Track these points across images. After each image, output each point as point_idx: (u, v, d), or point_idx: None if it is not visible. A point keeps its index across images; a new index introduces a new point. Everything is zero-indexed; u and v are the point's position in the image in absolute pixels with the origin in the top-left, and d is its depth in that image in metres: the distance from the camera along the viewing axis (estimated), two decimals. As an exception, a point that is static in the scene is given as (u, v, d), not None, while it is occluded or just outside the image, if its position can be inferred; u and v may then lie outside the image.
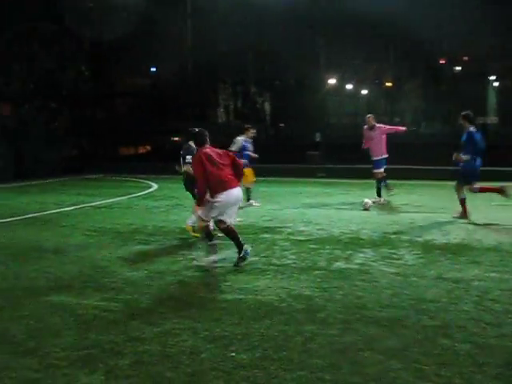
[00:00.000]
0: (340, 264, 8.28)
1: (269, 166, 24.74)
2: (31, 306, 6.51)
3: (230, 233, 8.38)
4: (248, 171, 13.95)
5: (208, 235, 8.55)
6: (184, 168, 10.88)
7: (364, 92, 36.21)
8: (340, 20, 25.50)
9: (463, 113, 12.03)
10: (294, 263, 8.35)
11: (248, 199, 14.90)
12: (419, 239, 10.04)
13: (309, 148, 26.56)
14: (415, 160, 22.27)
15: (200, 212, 8.43)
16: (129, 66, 34.57)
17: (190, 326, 5.78)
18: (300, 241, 10.05)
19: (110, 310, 6.32)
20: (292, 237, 10.45)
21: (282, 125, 34.60)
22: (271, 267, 8.11)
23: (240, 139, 14.97)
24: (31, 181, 23.95)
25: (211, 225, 8.59)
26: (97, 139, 30.87)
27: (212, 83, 34.20)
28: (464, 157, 11.63)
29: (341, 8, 25.15)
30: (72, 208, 15.54)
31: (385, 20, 24.53)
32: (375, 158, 15.31)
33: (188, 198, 16.84)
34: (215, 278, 7.62)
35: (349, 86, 35.99)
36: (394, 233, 10.70)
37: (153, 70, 36.23)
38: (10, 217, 13.90)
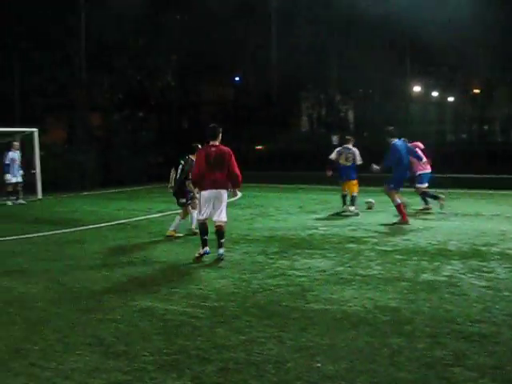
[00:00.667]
0: (427, 276, 8.08)
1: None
2: (121, 310, 6.68)
3: (201, 227, 9.76)
4: (354, 182, 15.56)
5: (202, 230, 9.72)
6: (187, 184, 11.85)
7: (450, 99, 35.36)
8: (427, 26, 24.99)
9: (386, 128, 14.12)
10: (380, 274, 8.22)
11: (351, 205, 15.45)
12: (511, 252, 9.66)
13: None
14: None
15: (196, 213, 10.23)
16: (213, 75, 35.18)
17: (275, 334, 5.78)
18: (386, 251, 9.89)
19: (196, 316, 6.40)
20: (378, 247, 10.30)
21: (365, 133, 34.22)
22: (357, 277, 8.01)
23: (355, 150, 15.57)
24: (119, 188, 24.69)
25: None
26: (182, 147, 31.50)
27: (296, 92, 34.31)
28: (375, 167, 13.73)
29: (428, 15, 24.69)
30: (159, 215, 15.91)
31: (475, 26, 23.91)
32: (419, 173, 15.11)
33: (273, 207, 17.03)
34: (301, 287, 7.59)
35: (434, 94, 35.25)
36: (484, 244, 10.34)
37: (236, 79, 36.73)
38: (102, 223, 14.38)
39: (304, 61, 31.38)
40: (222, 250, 9.47)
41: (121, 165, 26.81)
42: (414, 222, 13.32)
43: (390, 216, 14.45)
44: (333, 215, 15.03)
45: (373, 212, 15.49)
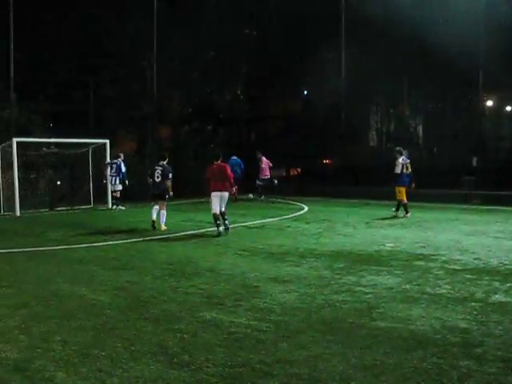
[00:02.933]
0: (499, 297, 7.82)
1: (422, 191, 24.05)
2: (186, 321, 6.75)
3: (215, 217, 14.57)
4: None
5: (216, 219, 14.56)
6: (167, 183, 16.05)
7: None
8: (501, 35, 24.34)
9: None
10: (449, 293, 8.01)
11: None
12: None
13: (464, 173, 25.53)
14: None
15: (212, 207, 14.66)
16: (282, 89, 35.27)
17: (339, 351, 5.70)
18: (455, 270, 9.64)
19: (260, 329, 6.40)
20: (447, 265, 10.05)
21: (435, 149, 33.56)
22: (424, 296, 7.84)
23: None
24: (187, 199, 25.02)
25: None
26: (249, 161, 31.65)
27: (365, 106, 34.03)
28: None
29: (502, 23, 24.06)
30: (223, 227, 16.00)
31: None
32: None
33: (340, 221, 16.91)
34: (367, 304, 7.48)
35: (508, 108, 34.24)
36: (560, 266, 9.94)
37: (305, 93, 36.71)
38: (169, 234, 14.63)
39: (373, 74, 31.15)
40: (227, 222, 14.86)
41: (189, 177, 27.15)
42: (485, 241, 12.96)
43: (461, 235, 14.14)
44: (400, 230, 14.78)
45: (440, 230, 15.15)
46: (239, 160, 26.33)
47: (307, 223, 16.97)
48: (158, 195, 16.08)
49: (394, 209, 19.01)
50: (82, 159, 22.98)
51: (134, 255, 11.44)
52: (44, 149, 22.17)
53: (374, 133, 35.07)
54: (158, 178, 16.14)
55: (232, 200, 25.04)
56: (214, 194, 14.60)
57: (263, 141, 35.38)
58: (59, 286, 8.69)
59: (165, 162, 16.50)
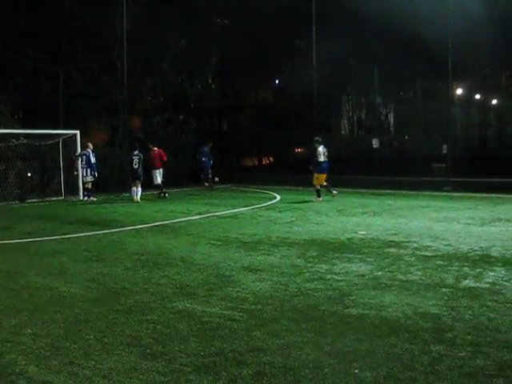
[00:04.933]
0: (469, 282, 7.92)
1: (393, 178, 24.29)
2: (159, 312, 6.71)
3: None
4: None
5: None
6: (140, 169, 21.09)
7: (494, 102, 34.66)
8: (470, 24, 24.56)
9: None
10: (420, 279, 8.09)
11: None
12: (557, 259, 9.41)
13: (434, 161, 25.80)
14: None
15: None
16: (253, 78, 35.22)
17: (312, 339, 5.72)
18: (426, 256, 9.73)
19: (234, 319, 6.39)
20: (418, 252, 10.14)
21: (406, 137, 33.85)
22: (396, 283, 7.90)
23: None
24: (158, 190, 24.89)
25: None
26: (222, 150, 31.59)
27: (336, 94, 34.12)
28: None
29: (471, 14, 24.27)
30: (198, 217, 16.00)
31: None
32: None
33: (312, 210, 16.97)
34: (339, 291, 7.52)
35: (477, 96, 34.60)
36: (529, 251, 10.10)
37: (276, 82, 36.69)
38: (141, 224, 14.55)
39: (344, 63, 31.24)
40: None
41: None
42: (455, 227, 13.12)
43: (432, 221, 14.29)
44: (372, 218, 14.89)
45: (412, 217, 15.29)
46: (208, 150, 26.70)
47: (280, 212, 17.00)
48: (138, 178, 21.03)
49: (321, 197, 19.85)
50: (52, 150, 22.75)
51: (106, 246, 11.36)
52: (13, 140, 21.84)
53: (346, 121, 35.23)
54: (135, 164, 21.10)
55: (211, 189, 25.18)
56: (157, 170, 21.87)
57: (235, 130, 35.38)
58: (30, 278, 8.58)
59: (137, 151, 21.41)
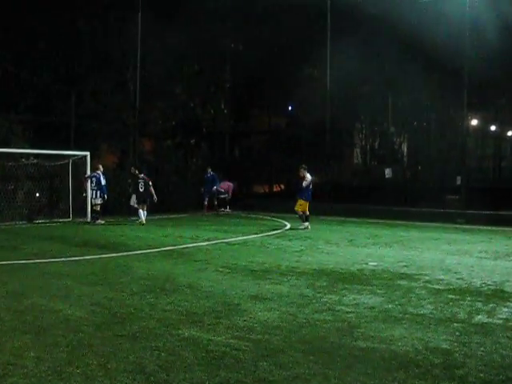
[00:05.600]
0: (482, 317, 7.84)
1: (405, 209, 24.22)
2: (164, 339, 6.68)
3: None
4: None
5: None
6: (151, 190, 21.69)
7: (510, 133, 34.64)
8: (486, 53, 24.63)
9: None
10: (431, 313, 8.02)
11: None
12: None
13: (448, 191, 25.71)
14: None
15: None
16: (266, 104, 35.40)
17: (320, 371, 5.67)
18: (438, 290, 9.66)
19: (240, 348, 6.35)
20: (429, 285, 10.07)
21: (419, 167, 33.77)
22: (407, 316, 7.84)
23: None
24: (167, 214, 24.97)
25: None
26: (233, 176, 31.64)
27: (349, 123, 34.18)
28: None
29: (488, 42, 24.33)
30: (206, 243, 15.99)
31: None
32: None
33: (322, 239, 16.94)
34: (348, 323, 7.46)
35: (492, 127, 34.58)
36: (543, 287, 10.00)
37: (290, 108, 36.84)
38: (148, 249, 14.56)
39: (358, 91, 31.34)
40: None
41: (171, 191, 27.12)
42: (468, 261, 13.02)
43: (445, 254, 14.21)
44: (383, 249, 14.82)
45: (424, 249, 15.21)
46: (215, 175, 27.62)
47: (289, 240, 16.97)
48: (142, 201, 21.72)
49: (305, 223, 20.23)
50: (61, 171, 22.87)
51: (112, 270, 11.35)
52: (23, 160, 22.00)
53: (359, 150, 35.24)
54: (141, 188, 21.69)
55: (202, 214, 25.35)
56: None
57: (247, 156, 35.46)
58: (34, 300, 8.58)
59: (143, 175, 21.90)
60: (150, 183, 21.66)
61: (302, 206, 20.23)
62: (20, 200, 22.08)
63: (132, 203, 23.06)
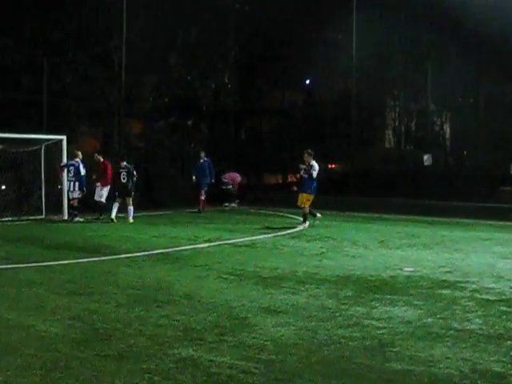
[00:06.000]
0: (541, 334, 7.84)
1: (448, 203, 24.14)
2: (157, 359, 6.70)
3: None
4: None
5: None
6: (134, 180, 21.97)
7: None
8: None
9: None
10: (480, 329, 8.01)
11: None
12: None
13: (500, 183, 25.63)
14: None
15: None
16: (279, 77, 35.26)
17: (345, 399, 5.69)
18: (488, 301, 9.65)
19: (248, 371, 6.36)
20: (477, 295, 10.06)
21: (465, 152, 33.60)
22: (450, 332, 7.83)
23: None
24: (161, 210, 25.03)
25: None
26: (238, 164, 31.61)
27: (380, 99, 34.05)
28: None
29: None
30: (207, 245, 16.03)
31: None
32: None
33: (347, 240, 16.96)
34: (379, 340, 7.47)
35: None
36: None
37: (307, 82, 36.70)
38: (138, 252, 14.60)
39: (391, 60, 31.26)
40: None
41: (164, 183, 27.17)
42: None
43: (496, 257, 14.18)
44: (421, 252, 14.80)
45: (470, 251, 15.18)
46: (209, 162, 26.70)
47: (307, 241, 16.99)
48: (125, 193, 21.76)
49: (305, 224, 20.37)
50: (32, 159, 22.89)
51: (94, 277, 11.39)
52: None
53: (391, 132, 35.12)
54: (124, 179, 21.82)
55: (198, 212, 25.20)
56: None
57: (256, 140, 35.40)
58: (1, 314, 8.63)
59: (125, 163, 22.11)
60: (135, 172, 21.97)
61: (309, 201, 20.25)
62: (-19, 194, 22.17)
63: (97, 198, 22.84)
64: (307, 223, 20.20)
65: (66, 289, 10.34)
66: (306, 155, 20.31)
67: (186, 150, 30.13)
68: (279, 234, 18.75)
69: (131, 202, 21.77)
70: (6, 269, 12.34)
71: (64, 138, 23.00)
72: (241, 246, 16.13)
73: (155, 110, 30.36)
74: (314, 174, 20.05)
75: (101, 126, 29.30)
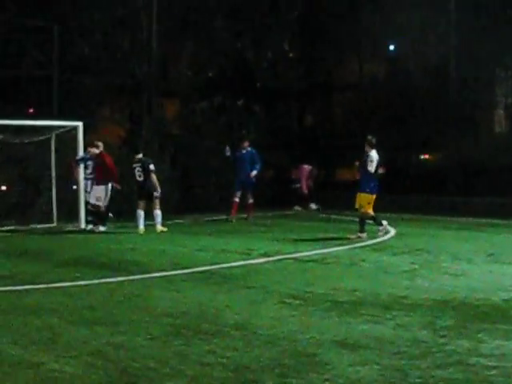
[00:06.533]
0: None
1: None
2: (202, 409, 6.73)
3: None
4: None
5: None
6: (153, 178, 21.47)
7: None
8: None
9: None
10: None
11: None
12: None
13: None
14: None
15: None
16: (354, 43, 35.02)
17: None
18: None
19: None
20: None
21: None
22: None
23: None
24: (204, 215, 25.08)
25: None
26: (303, 155, 31.55)
27: (487, 70, 33.62)
28: None
29: None
30: (264, 260, 16.05)
31: None
32: None
33: (445, 252, 16.81)
34: (489, 384, 7.38)
35: None
36: None
37: (391, 48, 36.40)
38: (175, 270, 14.67)
39: (499, 23, 30.86)
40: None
41: (207, 180, 27.25)
42: None
43: None
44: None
45: None
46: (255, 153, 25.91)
47: (394, 255, 16.92)
48: (144, 195, 21.69)
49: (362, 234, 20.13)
50: (40, 152, 23.06)
51: (120, 303, 11.48)
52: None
53: (502, 112, 34.66)
54: (139, 176, 21.74)
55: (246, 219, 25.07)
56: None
57: (326, 124, 35.21)
58: (3, 348, 8.73)
59: (140, 155, 22.15)
60: (152, 167, 21.69)
61: (369, 203, 20.02)
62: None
63: (93, 200, 22.47)
64: (365, 234, 19.97)
65: (85, 317, 10.42)
66: (366, 144, 20.33)
67: (234, 138, 30.13)
68: (357, 245, 18.67)
69: (157, 206, 21.55)
70: (9, 291, 12.51)
71: (80, 124, 23.06)
72: (308, 261, 16.10)
73: (195, 87, 30.44)
74: (371, 166, 19.88)
75: (126, 108, 29.50)
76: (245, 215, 25.42)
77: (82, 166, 22.51)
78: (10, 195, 23.14)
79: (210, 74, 31.02)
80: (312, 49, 33.87)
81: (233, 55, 30.96)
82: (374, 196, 20.05)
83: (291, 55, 33.39)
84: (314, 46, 33.91)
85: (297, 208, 28.81)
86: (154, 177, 21.43)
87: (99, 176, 22.21)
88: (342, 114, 36.71)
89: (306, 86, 33.58)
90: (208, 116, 30.06)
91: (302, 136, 33.09)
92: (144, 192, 21.64)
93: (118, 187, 22.48)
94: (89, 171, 22.25)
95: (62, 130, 23.30)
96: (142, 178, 21.59)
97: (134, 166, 21.82)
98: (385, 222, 20.21)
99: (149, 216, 21.94)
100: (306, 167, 29.44)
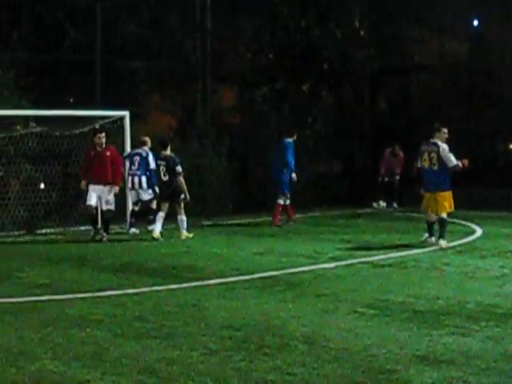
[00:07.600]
0: None
1: None
2: None
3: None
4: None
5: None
6: (180, 179, 20.94)
7: None
8: None
9: None
10: None
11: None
12: None
13: None
14: None
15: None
16: (432, 19, 34.73)
17: None
18: None
19: None
20: None
21: None
22: None
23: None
24: (264, 215, 25.05)
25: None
26: (376, 145, 31.41)
27: None
28: None
29: None
30: (334, 265, 16.01)
31: None
32: None
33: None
34: None
35: None
36: None
37: (475, 24, 36.06)
38: (234, 276, 14.67)
39: None
40: None
41: (269, 175, 27.23)
42: None
43: None
44: None
45: None
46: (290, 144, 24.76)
47: (482, 258, 16.81)
48: (168, 196, 21.40)
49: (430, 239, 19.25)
50: (81, 146, 23.09)
51: (174, 313, 11.52)
52: (18, 127, 22.48)
53: None
54: (164, 175, 21.27)
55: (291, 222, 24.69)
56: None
57: (401, 110, 35.00)
58: (43, 364, 8.78)
59: (167, 152, 21.53)
60: (179, 169, 21.02)
61: (448, 202, 18.85)
62: (14, 196, 22.54)
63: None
64: (432, 238, 19.10)
65: (134, 329, 10.48)
66: (435, 133, 19.26)
67: (301, 129, 30.04)
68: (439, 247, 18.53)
69: (182, 210, 21.04)
70: (49, 301, 12.60)
71: (126, 113, 23.12)
72: (384, 265, 16.04)
73: (255, 70, 30.42)
74: (452, 158, 18.80)
75: (178, 95, 29.59)
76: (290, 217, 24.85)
77: (127, 162, 22.23)
78: (49, 195, 23.08)
79: (271, 56, 30.94)
80: (385, 27, 33.65)
81: (296, 33, 30.88)
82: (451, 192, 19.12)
83: (362, 34, 33.20)
84: (388, 22, 33.68)
85: (381, 203, 28.66)
86: (181, 180, 21.00)
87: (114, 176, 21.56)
88: (419, 99, 36.41)
89: (379, 67, 33.37)
90: (269, 103, 30.01)
91: (374, 123, 32.90)
92: (169, 192, 21.25)
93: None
94: (135, 167, 21.93)
95: (106, 120, 23.26)
96: (166, 178, 21.08)
97: (159, 162, 21.38)
98: (432, 239, 19.09)
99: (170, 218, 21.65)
100: (386, 151, 29.28)
